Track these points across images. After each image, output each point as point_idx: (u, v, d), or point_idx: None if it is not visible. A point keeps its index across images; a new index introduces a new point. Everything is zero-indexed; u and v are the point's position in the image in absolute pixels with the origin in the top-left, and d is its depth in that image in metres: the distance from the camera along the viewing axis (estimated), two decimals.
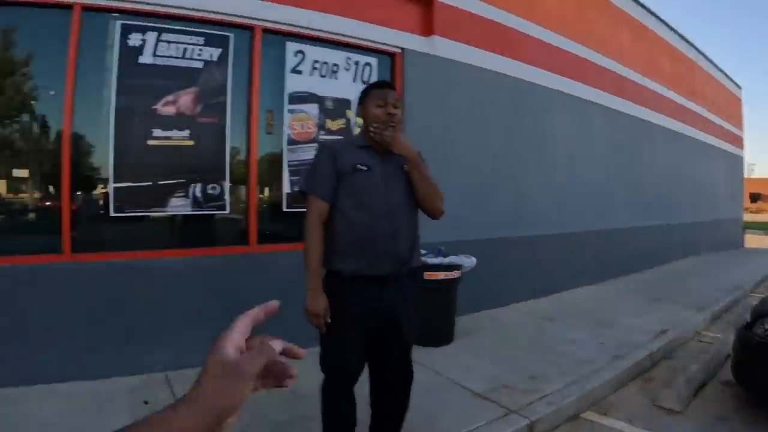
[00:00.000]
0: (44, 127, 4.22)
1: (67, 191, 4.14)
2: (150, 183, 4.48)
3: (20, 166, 4.21)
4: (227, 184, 4.85)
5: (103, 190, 4.41)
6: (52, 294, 4.05)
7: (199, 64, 4.68)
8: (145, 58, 4.42)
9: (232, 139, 4.89)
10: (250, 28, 4.99)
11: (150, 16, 4.47)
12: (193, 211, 4.71)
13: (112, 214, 4.32)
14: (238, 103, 4.94)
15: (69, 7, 4.15)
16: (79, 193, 4.36)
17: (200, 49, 4.68)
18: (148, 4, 4.41)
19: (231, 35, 4.86)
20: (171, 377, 4.23)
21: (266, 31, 5.11)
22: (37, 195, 4.34)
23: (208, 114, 4.73)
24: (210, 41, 4.74)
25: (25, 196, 4.33)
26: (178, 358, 4.34)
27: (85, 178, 4.39)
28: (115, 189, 4.33)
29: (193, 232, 4.88)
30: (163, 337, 4.41)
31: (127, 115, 4.35)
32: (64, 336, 4.04)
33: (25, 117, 4.25)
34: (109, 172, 4.32)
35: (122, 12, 4.35)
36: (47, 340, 4.00)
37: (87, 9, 4.21)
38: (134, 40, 4.38)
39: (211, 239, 4.95)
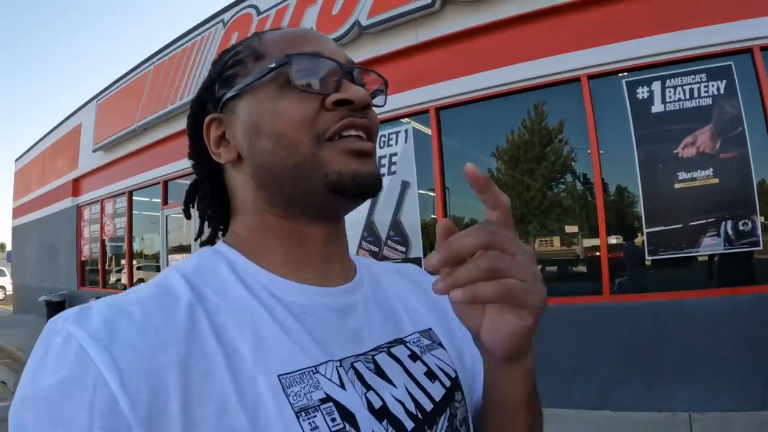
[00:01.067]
0: (580, 184, 4.82)
1: (604, 240, 4.55)
2: (680, 225, 4.54)
3: (569, 222, 4.90)
4: (758, 219, 4.47)
5: (637, 236, 4.69)
6: (591, 329, 4.46)
7: (708, 101, 4.59)
8: (656, 107, 4.61)
9: (757, 172, 4.53)
10: (748, 51, 4.70)
11: (649, 68, 4.67)
12: (725, 249, 4.49)
13: (646, 257, 4.53)
14: (756, 131, 4.60)
15: (576, 79, 4.71)
16: (614, 240, 4.71)
17: (705, 86, 4.61)
18: (644, 57, 4.64)
19: (731, 63, 4.66)
20: (693, 417, 4.12)
21: (764, 49, 4.73)
22: (580, 245, 4.92)
23: (728, 149, 4.55)
24: (712, 75, 4.62)
25: (574, 247, 5.03)
26: (704, 399, 4.19)
27: (620, 226, 4.79)
28: (648, 234, 4.55)
29: (725, 270, 4.62)
30: (692, 376, 4.30)
31: (650, 162, 4.58)
32: (597, 367, 4.33)
33: (567, 178, 4.99)
34: (641, 218, 4.55)
35: (624, 71, 4.68)
36: (579, 369, 4.34)
37: (592, 77, 4.70)
38: (641, 92, 4.64)
39: (745, 278, 4.56)
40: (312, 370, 0.56)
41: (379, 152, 6.11)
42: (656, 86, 4.63)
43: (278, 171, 0.63)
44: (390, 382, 0.62)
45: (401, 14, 5.69)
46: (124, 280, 10.61)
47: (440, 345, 0.72)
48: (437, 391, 0.66)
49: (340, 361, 0.59)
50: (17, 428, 0.48)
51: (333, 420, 0.54)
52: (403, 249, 5.84)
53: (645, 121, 4.61)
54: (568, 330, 4.50)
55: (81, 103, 13.05)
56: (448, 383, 0.68)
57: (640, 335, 4.42)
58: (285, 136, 0.62)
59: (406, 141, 5.96)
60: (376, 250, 6.08)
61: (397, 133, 6.05)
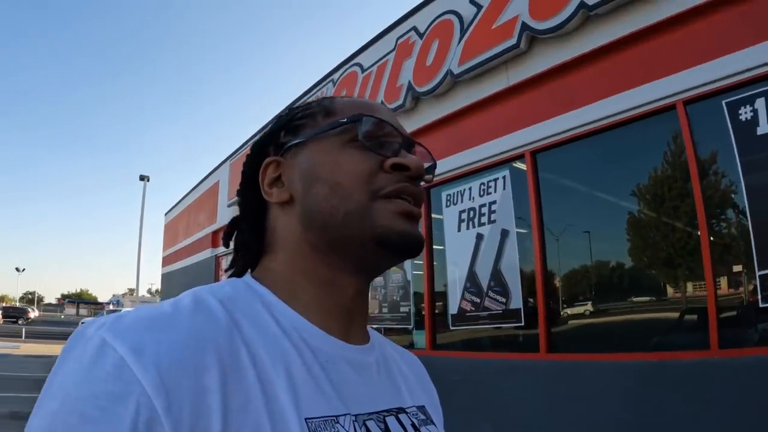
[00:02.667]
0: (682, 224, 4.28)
1: (711, 288, 3.93)
2: None
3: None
4: None
5: (746, 280, 3.99)
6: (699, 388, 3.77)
7: None
8: (762, 128, 4.01)
9: None
10: None
11: (750, 84, 4.10)
12: None
13: (760, 305, 3.82)
14: None
15: (672, 107, 4.27)
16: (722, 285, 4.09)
17: None
18: (742, 73, 4.07)
19: None
20: None
21: None
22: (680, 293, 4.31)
23: None
24: None
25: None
26: None
27: (726, 269, 4.11)
28: (761, 277, 3.84)
29: None
30: None
31: (760, 191, 3.94)
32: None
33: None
34: (753, 258, 3.89)
35: (721, 91, 4.15)
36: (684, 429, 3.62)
37: (687, 102, 4.22)
38: (744, 113, 4.07)
39: None
40: (333, 419, 0.57)
41: (478, 201, 5.97)
42: (760, 103, 4.02)
43: (328, 216, 0.65)
44: None
45: (490, 58, 5.56)
46: None
47: (433, 423, 0.74)
48: None
49: (356, 416, 0.60)
50: None
51: None
52: (503, 300, 5.56)
53: (751, 144, 3.97)
54: (664, 389, 3.93)
55: (219, 162, 14.28)
56: None
57: (752, 394, 3.74)
58: (342, 185, 0.65)
59: (504, 188, 5.76)
60: (477, 300, 5.86)
61: (495, 180, 5.87)
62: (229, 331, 0.55)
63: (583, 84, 4.86)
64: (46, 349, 19.01)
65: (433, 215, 6.62)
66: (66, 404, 0.45)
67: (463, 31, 5.96)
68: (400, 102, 6.79)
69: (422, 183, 0.72)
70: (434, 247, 6.56)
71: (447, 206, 6.42)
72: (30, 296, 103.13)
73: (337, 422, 0.57)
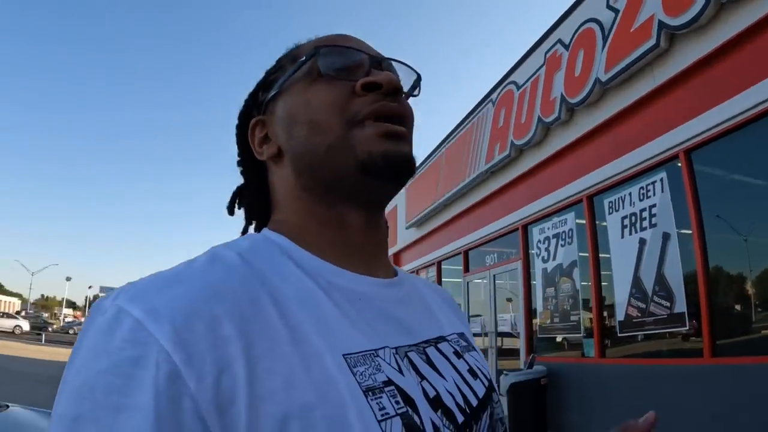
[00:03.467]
0: None
1: None
2: None
3: None
4: None
5: None
6: None
7: None
8: None
9: None
10: None
11: None
12: None
13: None
14: None
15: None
16: None
17: None
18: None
19: None
20: None
21: None
22: None
23: None
24: None
25: None
26: None
27: None
28: None
29: None
30: None
31: None
32: None
33: None
34: None
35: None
36: None
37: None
38: None
39: None
40: (373, 353, 0.55)
41: (639, 205, 5.88)
42: None
43: (313, 156, 0.64)
44: (441, 374, 0.62)
45: (634, 61, 5.52)
46: None
47: (474, 348, 0.74)
48: (480, 389, 0.67)
49: (396, 348, 0.59)
50: (73, 423, 0.43)
51: (397, 403, 0.53)
52: (668, 304, 5.38)
53: None
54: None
55: None
56: (486, 383, 0.69)
57: None
58: (317, 121, 0.63)
59: (662, 190, 5.61)
60: (643, 306, 5.72)
61: (653, 183, 5.73)
62: (247, 280, 0.54)
63: (728, 74, 4.65)
64: None
65: (597, 222, 6.61)
66: (89, 379, 0.44)
67: (604, 38, 6.00)
68: (555, 115, 6.94)
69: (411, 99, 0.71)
70: (600, 255, 6.54)
71: (609, 213, 6.37)
72: None
73: (377, 356, 0.56)
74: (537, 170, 7.78)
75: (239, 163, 0.78)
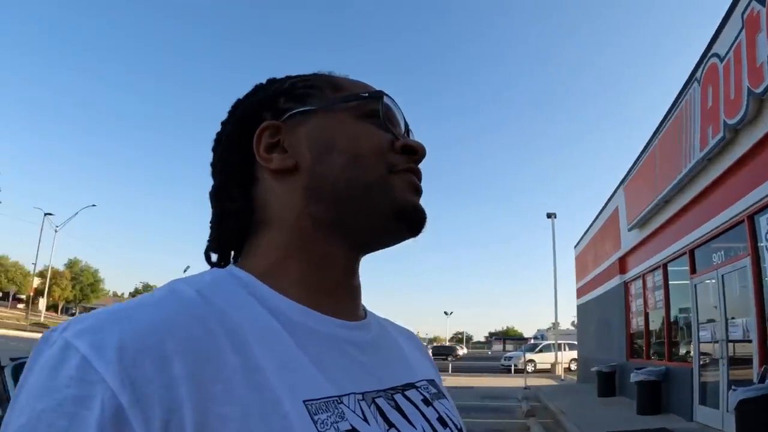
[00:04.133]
0: None
1: None
2: None
3: None
4: None
5: None
6: None
7: None
8: None
9: None
10: None
11: None
12: None
13: None
14: None
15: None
16: None
17: None
18: None
19: None
20: None
21: None
22: None
23: None
24: None
25: None
26: None
27: None
28: None
29: None
30: None
31: None
32: None
33: None
34: None
35: None
36: None
37: None
38: None
39: None
40: (336, 400, 0.53)
41: None
42: None
43: (344, 187, 0.63)
44: (410, 422, 0.59)
45: None
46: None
47: (444, 396, 0.72)
48: None
49: (363, 394, 0.57)
50: None
51: None
52: None
53: None
54: None
55: (614, 187, 14.32)
56: None
57: None
58: (361, 156, 0.64)
59: None
60: None
61: None
62: (203, 317, 0.50)
63: None
64: (469, 382, 21.26)
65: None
66: (32, 419, 0.42)
67: None
68: (766, 83, 5.99)
69: None
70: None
71: None
72: (459, 336, 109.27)
73: (341, 402, 0.53)
74: (756, 150, 6.75)
75: (215, 159, 0.71)
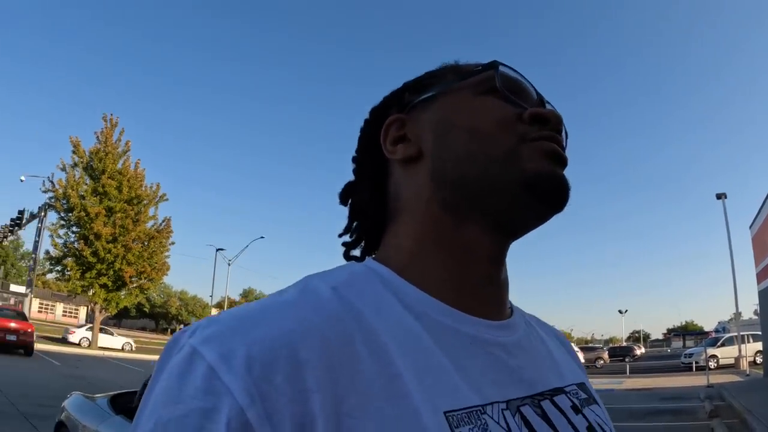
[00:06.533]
0: None
1: None
2: None
3: None
4: None
5: None
6: None
7: None
8: None
9: None
10: None
11: None
12: None
13: None
14: None
15: None
16: None
17: None
18: None
19: None
20: None
21: None
22: None
23: None
24: None
25: None
26: None
27: None
28: None
29: None
30: None
31: None
32: None
33: None
34: None
35: None
36: None
37: None
38: None
39: None
40: (480, 410, 0.49)
41: None
42: None
43: (467, 164, 0.59)
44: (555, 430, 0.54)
45: None
46: None
47: (596, 401, 0.65)
48: None
49: (507, 402, 0.51)
50: None
51: None
52: None
53: None
54: None
55: None
56: None
57: None
58: (482, 130, 0.59)
59: None
60: None
61: None
62: (339, 320, 0.48)
63: None
64: (647, 383, 19.96)
65: None
66: (158, 426, 0.41)
67: None
68: None
69: None
70: None
71: None
72: (636, 335, 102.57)
73: (484, 413, 0.49)
74: None
75: (354, 159, 0.73)
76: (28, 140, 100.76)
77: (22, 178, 28.12)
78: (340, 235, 0.72)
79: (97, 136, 24.88)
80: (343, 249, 0.72)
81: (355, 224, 0.72)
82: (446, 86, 0.65)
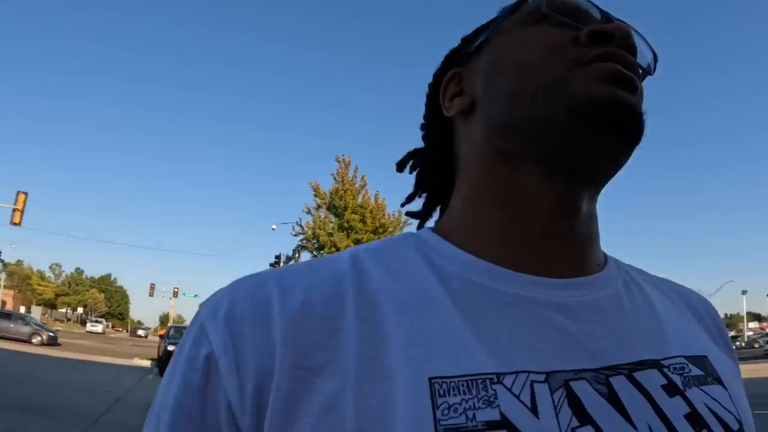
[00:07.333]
0: None
1: None
2: None
3: None
4: None
5: None
6: None
7: None
8: None
9: None
10: None
11: None
12: None
13: None
14: None
15: None
16: None
17: None
18: None
19: None
20: None
21: None
22: None
23: None
24: None
25: None
26: None
27: None
28: None
29: None
30: None
31: None
32: None
33: None
34: None
35: None
36: None
37: None
38: None
39: None
40: (491, 379, 0.40)
41: None
42: None
43: (517, 104, 0.52)
44: (628, 419, 0.41)
45: None
46: None
47: (718, 381, 0.48)
48: None
49: (547, 374, 0.42)
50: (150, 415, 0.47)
51: None
52: None
53: None
54: None
55: None
56: None
57: None
58: (530, 62, 0.52)
59: None
60: None
61: None
62: (337, 281, 0.47)
63: None
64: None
65: None
66: (169, 369, 0.47)
67: None
68: None
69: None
70: None
71: None
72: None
73: (498, 382, 0.40)
74: None
75: (422, 126, 0.68)
76: (270, 195, 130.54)
77: (274, 227, 30.71)
78: (403, 205, 0.69)
79: (334, 177, 26.48)
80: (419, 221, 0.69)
81: (425, 195, 0.68)
82: (496, 27, 0.59)
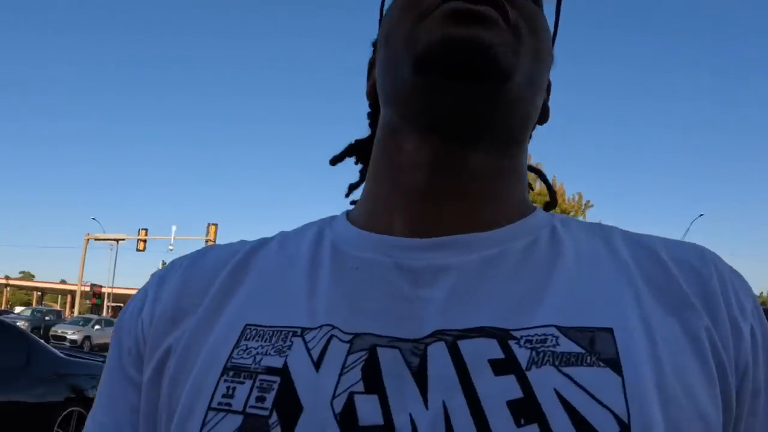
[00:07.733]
0: None
1: None
2: None
3: None
4: None
5: None
6: None
7: None
8: None
9: None
10: None
11: None
12: None
13: None
14: None
15: None
16: None
17: None
18: None
19: None
20: None
21: None
22: None
23: None
24: None
25: None
26: None
27: None
28: None
29: None
30: None
31: None
32: None
33: None
34: None
35: None
36: None
37: None
38: None
39: None
40: (295, 332, 0.42)
41: None
42: None
43: (386, 74, 0.51)
44: (424, 394, 0.37)
45: None
46: None
47: (608, 363, 0.38)
48: None
49: (354, 335, 0.40)
50: None
51: (260, 400, 0.38)
52: None
53: None
54: None
55: None
56: None
57: None
58: (390, 30, 0.50)
59: None
60: None
61: None
62: (231, 253, 0.53)
63: None
64: None
65: None
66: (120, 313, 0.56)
67: None
68: None
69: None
70: None
71: None
72: None
73: (299, 335, 0.41)
74: None
75: (367, 115, 0.65)
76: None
77: None
78: (346, 195, 0.67)
79: None
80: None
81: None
82: (386, 5, 0.57)
